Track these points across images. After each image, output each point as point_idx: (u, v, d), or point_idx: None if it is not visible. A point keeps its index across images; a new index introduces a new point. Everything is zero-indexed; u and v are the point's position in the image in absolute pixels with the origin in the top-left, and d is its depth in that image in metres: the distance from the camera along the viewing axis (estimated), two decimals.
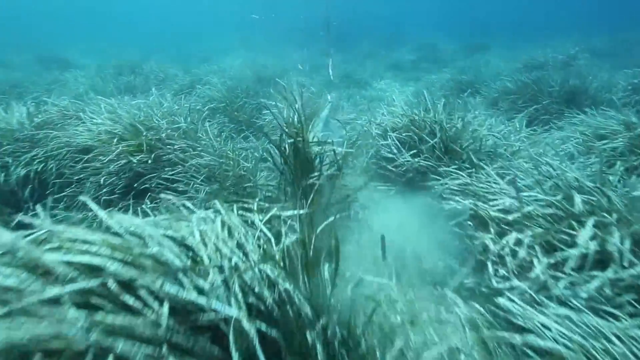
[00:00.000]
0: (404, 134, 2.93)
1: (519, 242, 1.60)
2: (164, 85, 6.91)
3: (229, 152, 3.10)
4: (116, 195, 2.65)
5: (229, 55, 11.70)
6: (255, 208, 1.76)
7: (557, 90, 4.73)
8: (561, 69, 7.05)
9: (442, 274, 1.80)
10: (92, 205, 1.11)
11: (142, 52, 14.04)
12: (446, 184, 2.26)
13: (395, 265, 1.81)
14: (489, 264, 1.61)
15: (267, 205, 1.90)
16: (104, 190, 2.63)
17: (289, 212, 1.71)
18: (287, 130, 1.98)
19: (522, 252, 1.55)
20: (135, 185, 2.69)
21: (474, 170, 2.31)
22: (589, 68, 7.01)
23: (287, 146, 1.95)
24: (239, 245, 1.21)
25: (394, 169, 2.71)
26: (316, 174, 1.86)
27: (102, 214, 1.09)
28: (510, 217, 1.73)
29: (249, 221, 1.69)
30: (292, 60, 10.66)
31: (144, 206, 2.57)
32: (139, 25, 35.56)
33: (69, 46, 13.03)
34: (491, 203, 1.92)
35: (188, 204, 1.53)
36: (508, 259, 1.57)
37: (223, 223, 1.29)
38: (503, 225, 1.75)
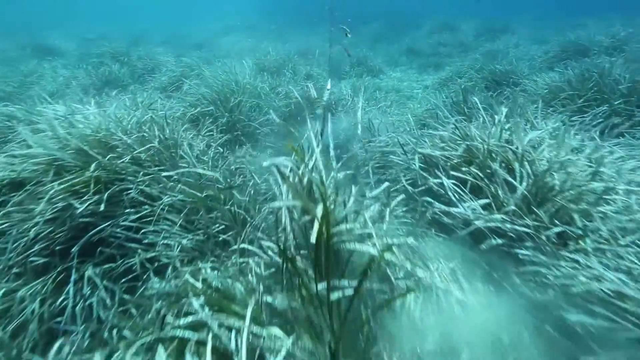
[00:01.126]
0: (458, 167, 2.08)
1: None
2: (151, 77, 6.05)
3: (218, 178, 2.32)
4: (53, 257, 1.88)
5: (228, 39, 10.69)
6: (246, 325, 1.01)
7: (627, 87, 3.80)
8: (611, 56, 6.04)
9: None
10: None
11: (132, 35, 13.08)
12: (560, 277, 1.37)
13: None
14: None
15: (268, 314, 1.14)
16: (36, 248, 1.86)
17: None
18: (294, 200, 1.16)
19: None
20: (83, 238, 1.92)
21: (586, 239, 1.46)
22: None
23: (291, 232, 1.17)
24: None
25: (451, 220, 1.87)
26: (348, 283, 1.05)
27: None
28: None
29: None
30: (298, 44, 9.67)
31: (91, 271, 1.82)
32: (131, 5, 34.05)
33: (52, 30, 12.08)
34: None
35: None
36: None
37: None
38: None
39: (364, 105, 4.82)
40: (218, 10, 25.18)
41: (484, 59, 7.98)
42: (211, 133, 3.44)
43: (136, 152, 2.28)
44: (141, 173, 2.18)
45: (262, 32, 12.71)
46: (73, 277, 1.83)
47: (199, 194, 2.10)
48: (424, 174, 2.06)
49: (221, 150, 2.99)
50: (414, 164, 2.18)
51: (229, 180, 2.44)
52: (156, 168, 2.33)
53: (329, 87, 6.15)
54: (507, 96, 5.23)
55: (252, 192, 2.36)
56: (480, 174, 1.85)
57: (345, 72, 7.94)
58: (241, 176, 2.63)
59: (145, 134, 2.49)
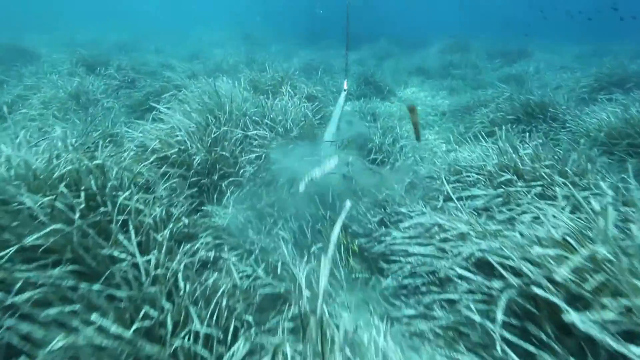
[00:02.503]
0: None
1: None
2: (130, 91, 5.20)
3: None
4: None
5: (224, 50, 9.93)
6: None
7: None
8: None
9: None
10: None
11: (124, 42, 12.33)
12: None
13: None
14: None
15: None
16: None
17: None
18: None
19: None
20: None
21: None
22: None
23: None
24: None
25: None
26: None
27: None
28: None
29: None
30: (299, 59, 8.92)
31: None
32: (131, 11, 33.52)
33: (38, 32, 11.27)
34: None
35: None
36: None
37: None
38: None
39: (374, 140, 3.98)
40: (219, 20, 24.67)
41: (506, 84, 7.26)
42: (182, 175, 2.56)
43: (28, 240, 1.39)
44: None
45: (261, 46, 12.01)
46: None
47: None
48: None
49: (186, 222, 2.09)
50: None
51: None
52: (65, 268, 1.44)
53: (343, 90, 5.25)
54: (545, 133, 4.44)
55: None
56: None
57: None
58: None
59: (59, 203, 1.60)
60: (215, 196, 2.72)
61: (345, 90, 5.19)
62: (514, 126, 4.69)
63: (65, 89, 5.03)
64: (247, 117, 3.58)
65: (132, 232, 1.63)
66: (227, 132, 3.19)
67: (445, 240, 1.73)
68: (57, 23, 18.20)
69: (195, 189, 2.66)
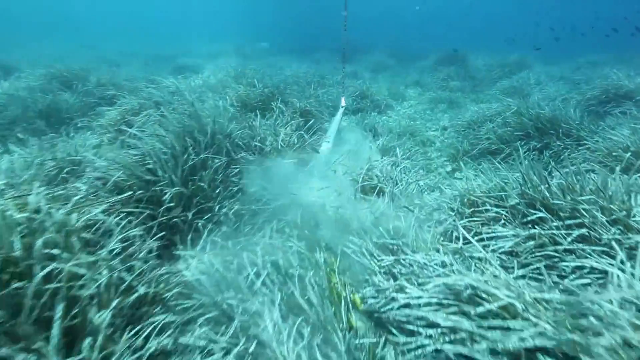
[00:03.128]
0: None
1: None
2: (107, 108, 4.76)
3: None
4: None
5: (214, 63, 9.59)
6: None
7: None
8: None
9: None
10: None
11: (114, 55, 11.97)
12: None
13: None
14: None
15: None
16: None
17: None
18: None
19: None
20: None
21: None
22: None
23: None
24: None
25: None
26: None
27: None
28: None
29: None
30: (293, 72, 8.59)
31: None
32: (125, 24, 33.30)
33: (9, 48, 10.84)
34: None
35: None
36: None
37: None
38: None
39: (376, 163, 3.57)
40: (211, 33, 24.53)
41: (508, 96, 6.97)
42: (145, 222, 2.12)
43: None
44: None
45: (252, 59, 11.70)
46: None
47: None
48: None
49: (142, 292, 1.64)
50: None
51: None
52: None
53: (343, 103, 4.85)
54: (555, 151, 4.08)
55: None
56: None
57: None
58: None
59: None
60: (190, 237, 2.27)
61: (343, 106, 4.83)
62: (524, 143, 4.34)
63: (35, 107, 4.59)
64: (232, 140, 3.16)
65: (59, 314, 1.19)
66: (208, 159, 2.76)
67: (484, 316, 1.30)
68: (53, 35, 17.82)
69: (164, 233, 2.22)
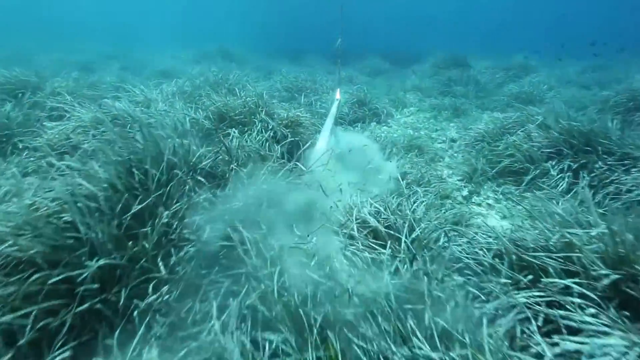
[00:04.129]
0: None
1: None
2: (58, 123, 3.92)
3: None
4: None
5: (196, 70, 8.79)
6: None
7: None
8: None
9: None
10: None
11: (92, 57, 11.08)
12: None
13: None
14: None
15: None
16: None
17: None
18: None
19: None
20: None
21: None
22: None
23: None
24: None
25: None
26: None
27: None
28: None
29: None
30: (280, 76, 7.83)
31: None
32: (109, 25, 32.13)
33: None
34: None
35: None
36: None
37: None
38: None
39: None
40: (198, 35, 23.66)
41: (520, 103, 6.33)
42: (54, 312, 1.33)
43: None
44: None
45: (239, 63, 10.91)
46: None
47: None
48: None
49: None
50: None
51: None
52: None
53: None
54: (596, 174, 3.38)
55: None
56: None
57: (343, 114, 6.06)
58: None
59: None
60: (118, 331, 1.49)
61: (337, 100, 4.17)
62: (555, 163, 3.65)
63: None
64: (198, 170, 2.39)
65: None
66: (159, 202, 1.99)
67: None
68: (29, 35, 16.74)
69: (76, 333, 1.44)
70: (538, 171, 3.70)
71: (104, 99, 4.40)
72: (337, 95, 4.23)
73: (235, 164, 2.76)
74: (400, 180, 3.19)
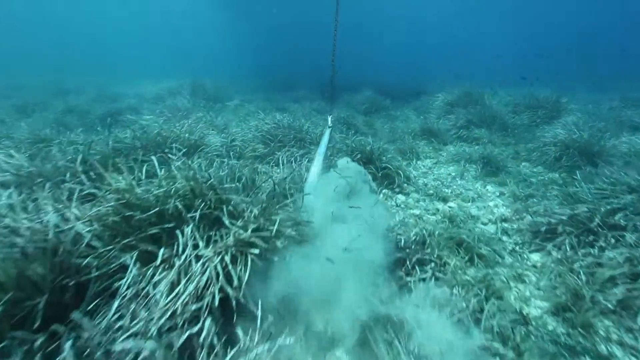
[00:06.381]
0: None
1: None
2: None
3: None
4: None
5: (165, 104, 7.12)
6: None
7: None
8: None
9: None
10: None
11: (26, 98, 9.37)
12: None
13: None
14: None
15: None
16: None
17: None
18: None
19: None
20: None
21: None
22: None
23: None
24: None
25: None
26: None
27: None
28: None
29: None
30: (257, 121, 6.17)
31: None
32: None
33: None
34: None
35: None
36: None
37: None
38: None
39: None
40: (172, 67, 22.40)
41: (565, 153, 4.74)
42: None
43: None
44: None
45: (214, 101, 9.32)
46: None
47: None
48: None
49: None
50: None
51: None
52: None
53: None
54: None
55: None
56: None
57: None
58: None
59: None
60: None
61: (330, 126, 3.92)
62: None
63: None
64: None
65: None
66: None
67: None
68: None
69: None
70: None
71: None
72: (330, 123, 3.98)
73: None
74: None
